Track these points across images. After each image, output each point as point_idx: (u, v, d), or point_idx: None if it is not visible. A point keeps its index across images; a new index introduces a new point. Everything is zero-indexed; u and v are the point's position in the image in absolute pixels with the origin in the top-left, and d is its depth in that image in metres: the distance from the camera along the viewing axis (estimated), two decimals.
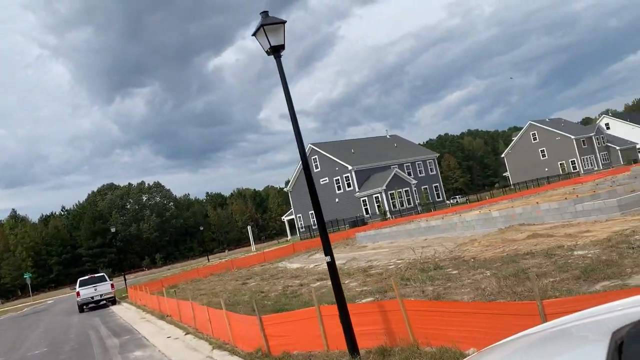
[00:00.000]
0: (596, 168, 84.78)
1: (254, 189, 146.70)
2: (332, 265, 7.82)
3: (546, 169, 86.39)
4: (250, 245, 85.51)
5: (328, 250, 7.85)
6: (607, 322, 1.59)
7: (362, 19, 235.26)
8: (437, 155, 71.71)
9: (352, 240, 36.72)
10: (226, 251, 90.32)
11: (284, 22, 7.78)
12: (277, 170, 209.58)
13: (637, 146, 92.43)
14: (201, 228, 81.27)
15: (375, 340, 8.03)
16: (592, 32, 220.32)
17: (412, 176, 61.73)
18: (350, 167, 58.65)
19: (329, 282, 17.31)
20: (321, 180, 62.94)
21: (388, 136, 72.10)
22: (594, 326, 1.67)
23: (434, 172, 67.49)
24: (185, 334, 14.19)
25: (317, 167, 63.17)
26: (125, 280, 39.19)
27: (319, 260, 26.70)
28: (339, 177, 60.73)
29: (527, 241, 15.92)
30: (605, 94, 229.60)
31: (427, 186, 64.71)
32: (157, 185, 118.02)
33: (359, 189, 58.73)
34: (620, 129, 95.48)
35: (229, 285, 25.35)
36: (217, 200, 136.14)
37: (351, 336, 7.59)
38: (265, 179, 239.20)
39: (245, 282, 24.82)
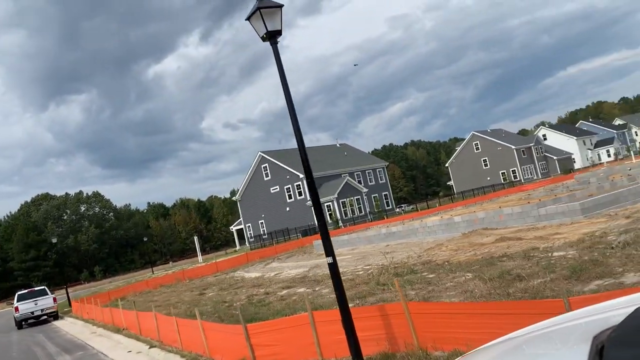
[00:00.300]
0: (535, 177, 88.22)
1: (198, 199, 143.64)
2: (334, 266, 7.31)
3: (488, 178, 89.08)
4: (196, 256, 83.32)
5: (330, 251, 7.34)
6: (587, 326, 1.59)
7: (306, 30, 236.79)
8: (387, 164, 72.52)
9: (308, 248, 36.20)
10: (170, 262, 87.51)
11: (281, 6, 7.27)
12: (220, 180, 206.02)
13: (572, 156, 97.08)
14: (145, 239, 78.29)
15: (376, 346, 7.57)
16: (525, 48, 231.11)
17: (363, 184, 62.01)
18: (301, 176, 58.14)
19: (298, 290, 16.80)
20: (272, 189, 62.20)
21: (338, 145, 72.28)
22: (575, 330, 1.66)
23: (384, 181, 68.11)
24: (150, 348, 13.23)
25: (267, 176, 62.39)
26: (67, 293, 36.95)
27: (278, 269, 26.04)
28: (290, 186, 60.15)
29: (497, 244, 15.95)
30: (538, 107, 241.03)
31: (376, 194, 65.16)
32: (96, 195, 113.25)
33: (309, 197, 58.31)
34: (556, 140, 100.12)
35: (185, 296, 24.25)
36: (159, 210, 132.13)
37: (355, 342, 7.08)
38: (208, 189, 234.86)
39: (203, 292, 23.79)
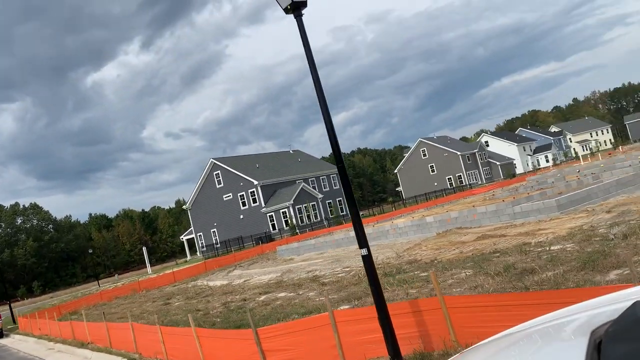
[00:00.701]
0: (480, 182, 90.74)
1: (143, 210, 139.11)
2: (368, 258, 6.80)
3: (435, 184, 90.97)
4: (143, 268, 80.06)
5: (364, 242, 6.83)
6: (585, 321, 1.59)
7: (250, 39, 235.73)
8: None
9: (270, 254, 35.38)
10: (116, 275, 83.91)
11: None
12: (162, 191, 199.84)
13: (514, 161, 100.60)
14: (90, 251, 74.67)
15: (409, 345, 7.09)
16: (462, 60, 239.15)
17: (318, 190, 61.67)
18: (256, 182, 57.25)
19: (278, 294, 16.09)
20: (224, 196, 60.84)
21: (291, 151, 71.71)
22: (573, 325, 1.66)
23: (338, 187, 68.05)
24: None
25: (219, 183, 60.98)
26: (11, 310, 34.40)
27: (245, 276, 25.15)
28: (243, 193, 59.00)
29: (480, 242, 15.86)
30: (475, 117, 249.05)
31: (331, 200, 64.98)
32: (34, 206, 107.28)
33: (265, 204, 57.42)
34: (498, 146, 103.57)
35: (148, 306, 22.95)
36: (101, 221, 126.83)
37: (393, 340, 6.57)
38: (150, 200, 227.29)
39: (167, 302, 22.59)
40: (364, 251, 6.79)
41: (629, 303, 1.51)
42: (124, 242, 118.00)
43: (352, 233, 25.56)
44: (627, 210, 14.23)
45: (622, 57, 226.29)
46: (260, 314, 13.37)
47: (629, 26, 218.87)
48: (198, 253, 64.92)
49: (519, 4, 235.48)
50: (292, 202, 55.13)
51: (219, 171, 60.95)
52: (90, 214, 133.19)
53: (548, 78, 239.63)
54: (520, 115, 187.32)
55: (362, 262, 18.19)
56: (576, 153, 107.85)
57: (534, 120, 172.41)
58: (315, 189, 60.66)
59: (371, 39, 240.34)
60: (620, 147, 79.00)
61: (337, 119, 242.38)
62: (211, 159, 61.47)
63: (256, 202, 58.17)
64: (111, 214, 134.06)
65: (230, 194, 60.24)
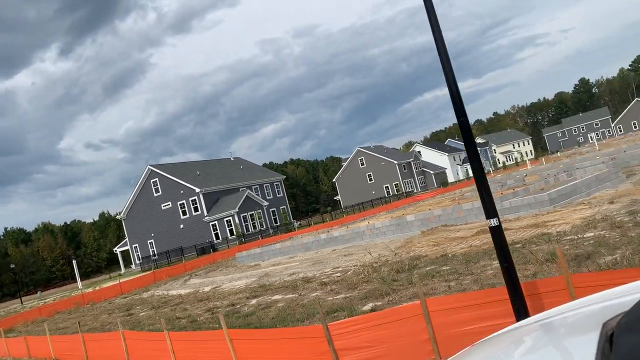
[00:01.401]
0: (415, 190, 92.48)
1: (65, 223, 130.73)
2: (498, 230, 5.84)
3: (373, 192, 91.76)
4: (68, 283, 74.55)
5: (492, 212, 5.87)
6: (597, 313, 1.59)
7: (175, 48, 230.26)
8: (284, 177, 71.26)
9: (225, 262, 33.56)
10: (38, 292, 77.63)
11: None
12: (82, 205, 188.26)
13: (446, 170, 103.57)
14: (12, 265, 68.60)
15: None
16: (386, 75, 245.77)
17: (262, 198, 60.04)
18: (197, 190, 54.81)
19: (272, 297, 14.72)
20: (163, 205, 57.86)
21: (232, 158, 69.59)
22: (585, 317, 1.65)
23: (281, 195, 66.75)
24: None
25: (157, 191, 57.94)
26: None
27: (209, 284, 23.41)
28: (184, 201, 56.33)
29: (484, 236, 15.32)
30: (399, 130, 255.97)
31: (274, 209, 63.51)
32: None
33: (207, 212, 55.07)
34: (430, 156, 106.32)
35: (105, 318, 20.70)
36: (19, 236, 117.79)
37: None
38: (68, 214, 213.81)
39: (130, 313, 20.46)
40: (494, 221, 5.85)
41: None
42: (44, 257, 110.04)
43: (323, 235, 24.53)
44: (636, 200, 14.17)
45: (533, 75, 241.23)
46: (269, 317, 12.03)
47: (537, 47, 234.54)
48: (133, 265, 61.22)
49: (439, 23, 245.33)
50: (237, 210, 53.23)
51: (157, 179, 57.91)
52: (5, 228, 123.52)
53: (467, 94, 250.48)
54: (444, 128, 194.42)
55: (349, 263, 17.14)
56: (503, 163, 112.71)
57: (458, 132, 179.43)
58: (259, 197, 59.01)
59: (299, 52, 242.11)
60: (543, 157, 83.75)
61: (265, 131, 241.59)
62: (148, 166, 58.37)
63: (198, 211, 55.69)
64: (29, 228, 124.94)
65: (170, 203, 57.36)
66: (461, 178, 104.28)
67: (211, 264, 35.96)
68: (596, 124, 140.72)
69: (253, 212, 55.69)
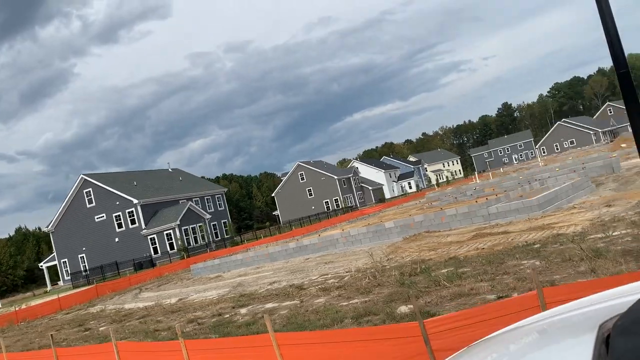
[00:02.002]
0: (354, 205, 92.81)
1: None
2: None
3: (313, 207, 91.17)
4: None
5: None
6: (593, 315, 1.57)
7: (101, 58, 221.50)
8: (225, 190, 69.03)
9: (175, 275, 31.44)
10: None
11: None
12: None
13: (383, 187, 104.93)
14: None
15: None
16: (318, 94, 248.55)
17: (203, 210, 57.69)
18: (135, 201, 51.75)
19: (262, 307, 13.41)
20: (97, 217, 54.21)
21: (170, 169, 66.63)
22: (581, 319, 1.64)
23: (223, 208, 64.55)
24: None
25: (91, 202, 54.25)
26: None
27: (168, 296, 21.57)
28: (120, 213, 53.01)
29: (481, 240, 14.83)
30: (330, 148, 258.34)
31: (215, 222, 61.23)
32: None
33: (146, 225, 52.07)
34: (367, 172, 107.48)
35: (55, 334, 18.34)
36: None
37: None
38: None
39: (85, 328, 18.29)
40: None
41: (638, 296, 1.47)
42: None
43: (292, 245, 23.38)
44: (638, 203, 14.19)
45: (456, 99, 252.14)
46: (279, 324, 10.78)
47: (461, 72, 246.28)
48: (61, 282, 56.76)
49: (369, 46, 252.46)
50: (178, 222, 50.68)
51: (90, 189, 54.24)
52: None
53: (393, 116, 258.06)
54: (375, 147, 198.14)
55: (337, 270, 16.08)
56: (437, 181, 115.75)
57: (390, 151, 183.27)
58: (201, 209, 56.64)
59: (230, 67, 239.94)
60: (475, 175, 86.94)
61: (193, 146, 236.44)
62: (82, 175, 54.63)
63: (135, 224, 52.54)
64: None
65: (104, 215, 53.81)
66: (396, 194, 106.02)
67: (158, 277, 33.64)
68: (520, 146, 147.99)
69: (195, 225, 53.29)
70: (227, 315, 13.51)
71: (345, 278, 14.41)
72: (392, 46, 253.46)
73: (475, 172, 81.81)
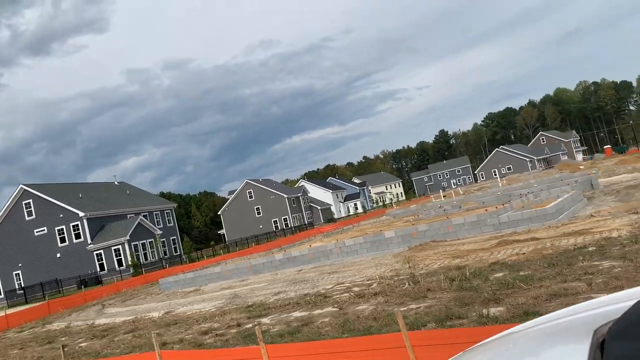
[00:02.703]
0: (304, 225, 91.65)
1: None
2: None
3: (261, 226, 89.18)
4: None
5: None
6: (588, 320, 1.59)
7: (31, 70, 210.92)
8: (175, 205, 66.04)
9: (138, 290, 29.04)
10: None
11: None
12: None
13: (331, 207, 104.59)
14: None
15: None
16: (258, 116, 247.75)
17: (153, 226, 54.72)
18: (81, 214, 48.26)
19: (289, 316, 12.04)
20: (36, 231, 50.12)
21: (116, 182, 63.00)
22: (576, 324, 1.67)
23: (172, 224, 61.57)
24: None
25: (30, 214, 50.16)
26: None
27: (143, 311, 19.60)
28: (63, 227, 49.23)
29: (510, 246, 14.23)
30: (269, 170, 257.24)
31: (164, 239, 58.19)
32: None
33: (92, 240, 48.60)
34: (315, 192, 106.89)
35: (19, 353, 16.00)
36: None
37: None
38: None
39: (56, 346, 16.04)
40: None
41: (632, 302, 1.49)
42: None
43: (278, 256, 22.04)
44: None
45: (392, 126, 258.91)
46: (338, 330, 9.54)
47: (397, 101, 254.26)
48: None
49: (309, 71, 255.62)
50: (127, 237, 47.63)
51: (30, 200, 50.18)
52: None
53: (332, 139, 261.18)
54: (317, 169, 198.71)
55: (353, 279, 15.03)
56: (384, 202, 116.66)
57: (334, 172, 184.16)
58: (151, 225, 53.68)
59: (168, 85, 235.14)
60: (452, 191, 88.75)
61: (127, 164, 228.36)
62: (21, 185, 50.47)
63: (80, 238, 48.93)
64: None
65: (45, 228, 49.83)
66: (343, 215, 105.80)
67: (116, 293, 31.02)
68: (458, 171, 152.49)
69: (145, 241, 50.33)
70: (249, 325, 12.03)
71: (373, 285, 13.31)
72: (332, 72, 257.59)
73: (441, 191, 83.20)
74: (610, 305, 1.62)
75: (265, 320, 12.38)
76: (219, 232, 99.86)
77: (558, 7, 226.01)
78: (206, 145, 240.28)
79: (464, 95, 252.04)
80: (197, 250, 76.71)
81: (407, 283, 12.20)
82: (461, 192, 50.90)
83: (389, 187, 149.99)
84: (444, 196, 52.59)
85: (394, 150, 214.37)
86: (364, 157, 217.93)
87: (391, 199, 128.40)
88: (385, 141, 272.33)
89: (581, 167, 52.09)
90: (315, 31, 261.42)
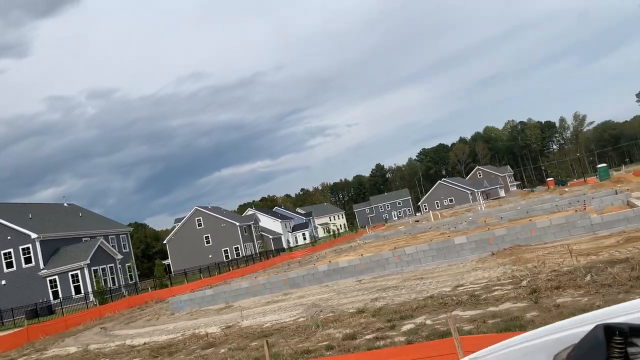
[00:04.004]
0: (254, 254, 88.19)
1: None
2: None
3: (210, 256, 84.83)
4: None
5: None
6: (547, 345, 1.61)
7: None
8: (131, 229, 60.99)
9: (124, 315, 25.43)
10: None
11: None
12: None
13: (282, 236, 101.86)
14: None
15: None
16: (186, 148, 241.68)
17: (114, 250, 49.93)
18: (34, 236, 43.07)
19: (467, 314, 10.02)
20: None
21: (66, 204, 57.36)
22: (535, 350, 1.68)
23: (127, 249, 56.67)
24: None
25: None
26: None
27: (183, 329, 16.63)
28: (11, 250, 43.66)
29: None
30: (194, 203, 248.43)
31: (120, 266, 53.28)
32: None
33: (45, 264, 43.36)
34: (265, 221, 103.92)
35: None
36: None
37: None
38: None
39: None
40: None
41: (591, 327, 1.49)
42: None
43: (322, 267, 19.82)
44: None
45: (322, 161, 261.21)
46: None
47: (326, 137, 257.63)
48: None
49: (241, 104, 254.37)
50: (88, 261, 42.93)
51: None
52: None
53: (263, 173, 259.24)
54: (252, 201, 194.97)
55: (464, 282, 13.30)
56: (334, 231, 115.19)
57: (274, 204, 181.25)
58: (111, 248, 48.93)
59: (92, 114, 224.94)
60: (439, 213, 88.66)
61: (44, 195, 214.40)
62: None
63: (31, 262, 43.54)
64: None
65: None
66: (292, 245, 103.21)
67: (100, 317, 27.10)
68: (399, 203, 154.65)
69: (105, 266, 45.66)
70: (406, 327, 9.85)
71: (522, 283, 11.54)
72: (263, 106, 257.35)
73: (438, 212, 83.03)
74: (570, 329, 1.57)
75: (419, 319, 10.24)
76: (165, 262, 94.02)
77: (477, 55, 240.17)
78: (130, 176, 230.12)
79: (391, 132, 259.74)
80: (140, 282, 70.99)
81: (586, 275, 10.54)
82: (445, 213, 50.41)
83: (332, 218, 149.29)
84: (432, 218, 51.87)
85: (332, 183, 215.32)
86: (302, 189, 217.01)
87: (333, 231, 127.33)
88: (316, 176, 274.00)
89: (566, 189, 53.60)
90: (247, 65, 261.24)
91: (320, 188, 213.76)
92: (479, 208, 46.85)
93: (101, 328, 21.93)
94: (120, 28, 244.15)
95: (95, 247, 44.66)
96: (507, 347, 1.84)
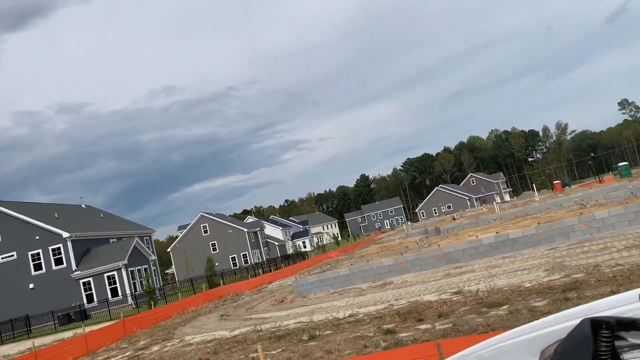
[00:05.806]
0: (261, 261, 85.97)
1: None
2: None
3: (217, 263, 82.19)
4: None
5: None
6: (535, 341, 1.62)
7: None
8: (154, 231, 58.28)
9: (236, 301, 23.50)
10: None
11: None
12: None
13: (285, 244, 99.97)
14: None
15: None
16: (157, 162, 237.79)
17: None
18: (65, 235, 40.42)
19: None
20: (2, 256, 41.29)
21: (84, 205, 54.45)
22: (523, 345, 1.69)
23: (151, 251, 54.05)
24: None
25: None
26: None
27: (315, 312, 14.95)
28: (39, 251, 40.87)
29: None
30: (165, 219, 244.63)
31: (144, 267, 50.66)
32: None
33: (77, 266, 40.69)
34: (268, 230, 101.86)
35: None
36: None
37: None
38: None
39: None
40: None
41: (577, 321, 1.50)
42: None
43: (488, 240, 18.43)
44: None
45: (295, 174, 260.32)
46: None
47: (300, 151, 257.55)
48: None
49: (213, 118, 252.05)
50: (126, 261, 40.48)
51: None
52: None
53: (235, 187, 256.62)
54: (233, 214, 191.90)
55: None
56: (336, 238, 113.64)
57: (270, 213, 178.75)
58: (146, 248, 46.44)
59: (61, 129, 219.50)
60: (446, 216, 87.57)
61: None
62: None
63: (62, 264, 40.80)
64: None
65: (14, 253, 41.11)
66: (302, 250, 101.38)
67: (184, 311, 24.99)
68: (391, 212, 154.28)
69: (141, 267, 43.25)
70: None
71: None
72: (235, 120, 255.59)
73: (495, 204, 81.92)
74: (557, 324, 1.58)
75: None
76: (168, 272, 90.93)
77: (448, 70, 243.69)
78: (100, 192, 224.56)
79: (363, 146, 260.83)
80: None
81: None
82: (481, 210, 49.48)
83: (325, 227, 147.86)
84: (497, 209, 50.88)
85: (316, 194, 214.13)
86: (286, 201, 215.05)
87: (329, 239, 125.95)
88: (287, 190, 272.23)
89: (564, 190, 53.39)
90: (220, 79, 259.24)
91: (305, 198, 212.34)
92: (483, 210, 46.16)
93: (220, 316, 19.94)
94: (91, 42, 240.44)
95: (132, 247, 42.23)
96: (496, 343, 1.81)
